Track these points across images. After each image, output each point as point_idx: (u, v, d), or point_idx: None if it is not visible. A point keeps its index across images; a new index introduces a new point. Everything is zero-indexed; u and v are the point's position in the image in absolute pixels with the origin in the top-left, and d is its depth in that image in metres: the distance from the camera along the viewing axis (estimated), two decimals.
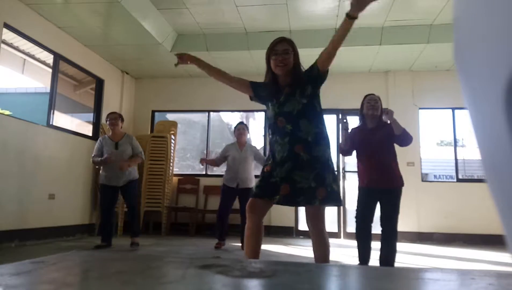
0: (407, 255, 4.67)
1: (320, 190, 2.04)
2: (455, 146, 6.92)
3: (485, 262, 4.27)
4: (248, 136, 5.12)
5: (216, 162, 5.07)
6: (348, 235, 6.47)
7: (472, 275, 0.96)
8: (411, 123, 6.62)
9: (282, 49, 2.19)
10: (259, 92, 2.38)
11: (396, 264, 3.27)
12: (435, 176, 12.06)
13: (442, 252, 4.97)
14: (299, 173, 2.06)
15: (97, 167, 4.59)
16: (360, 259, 3.24)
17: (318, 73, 2.18)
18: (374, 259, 3.23)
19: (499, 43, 0.26)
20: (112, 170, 4.43)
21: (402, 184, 3.17)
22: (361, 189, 3.27)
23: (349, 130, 3.35)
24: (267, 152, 2.39)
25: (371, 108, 3.26)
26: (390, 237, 3.11)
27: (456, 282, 0.95)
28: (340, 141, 3.43)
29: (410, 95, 6.68)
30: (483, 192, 5.82)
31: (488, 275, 1.01)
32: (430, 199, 6.32)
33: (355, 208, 3.28)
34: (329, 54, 2.14)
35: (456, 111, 6.64)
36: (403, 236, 6.29)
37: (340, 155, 6.76)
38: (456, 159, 6.70)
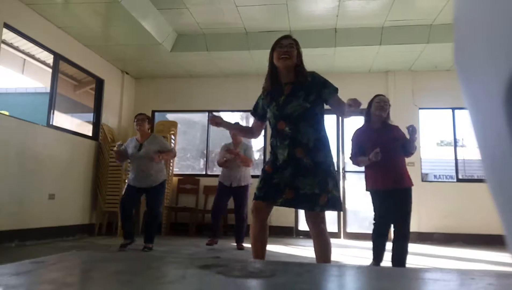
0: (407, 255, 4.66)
1: (322, 196, 2.06)
2: (455, 146, 6.93)
3: (485, 262, 4.27)
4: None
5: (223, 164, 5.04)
6: (348, 235, 6.47)
7: (472, 275, 0.96)
8: (411, 123, 6.60)
9: (287, 43, 2.23)
10: (258, 113, 2.42)
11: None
12: (435, 176, 12.07)
13: (442, 252, 4.97)
14: (302, 179, 2.08)
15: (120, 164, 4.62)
16: (375, 259, 3.22)
17: (326, 95, 2.23)
18: (386, 260, 3.24)
19: (499, 43, 0.26)
20: (137, 172, 4.39)
21: (412, 184, 3.17)
22: (370, 191, 3.25)
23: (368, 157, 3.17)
24: (268, 154, 2.43)
25: (379, 108, 3.22)
26: (404, 238, 3.09)
27: (456, 282, 0.95)
28: (358, 159, 3.29)
29: (410, 95, 6.68)
30: (483, 192, 5.80)
31: (488, 275, 1.01)
32: (430, 199, 6.32)
33: (373, 212, 3.27)
34: (335, 108, 2.24)
35: (456, 111, 6.64)
36: None
37: (340, 154, 6.77)
38: (456, 159, 6.71)
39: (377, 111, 3.23)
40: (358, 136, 3.32)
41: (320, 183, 2.06)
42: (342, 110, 2.15)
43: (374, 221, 3.26)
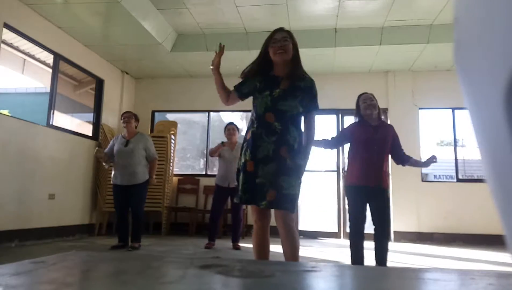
0: (407, 255, 4.67)
1: (298, 197, 2.14)
2: (455, 146, 6.92)
3: (485, 262, 4.27)
4: (238, 136, 5.11)
5: (214, 152, 5.03)
6: (347, 235, 6.46)
7: (472, 275, 0.96)
8: (411, 123, 6.64)
9: (281, 36, 2.21)
10: (243, 89, 2.33)
11: (396, 264, 3.26)
12: (435, 176, 12.07)
13: (442, 252, 4.97)
14: (287, 179, 2.07)
15: (104, 164, 4.63)
16: (353, 261, 3.14)
17: (309, 108, 2.23)
18: (367, 260, 3.20)
19: (499, 43, 0.26)
20: (119, 169, 4.43)
21: (389, 186, 3.16)
22: (351, 187, 3.17)
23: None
24: (244, 143, 2.24)
25: (369, 107, 3.14)
26: (384, 237, 3.08)
27: (456, 282, 0.95)
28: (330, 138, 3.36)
29: (410, 95, 6.68)
30: (483, 192, 5.83)
31: (488, 275, 1.01)
32: (430, 199, 6.32)
33: (348, 209, 3.22)
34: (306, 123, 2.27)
35: (456, 111, 6.64)
36: (403, 236, 6.30)
37: (340, 154, 6.76)
38: (456, 159, 6.71)
39: (367, 111, 3.15)
40: (352, 128, 3.25)
41: (299, 185, 2.13)
42: (311, 130, 2.22)
43: (350, 220, 3.17)
